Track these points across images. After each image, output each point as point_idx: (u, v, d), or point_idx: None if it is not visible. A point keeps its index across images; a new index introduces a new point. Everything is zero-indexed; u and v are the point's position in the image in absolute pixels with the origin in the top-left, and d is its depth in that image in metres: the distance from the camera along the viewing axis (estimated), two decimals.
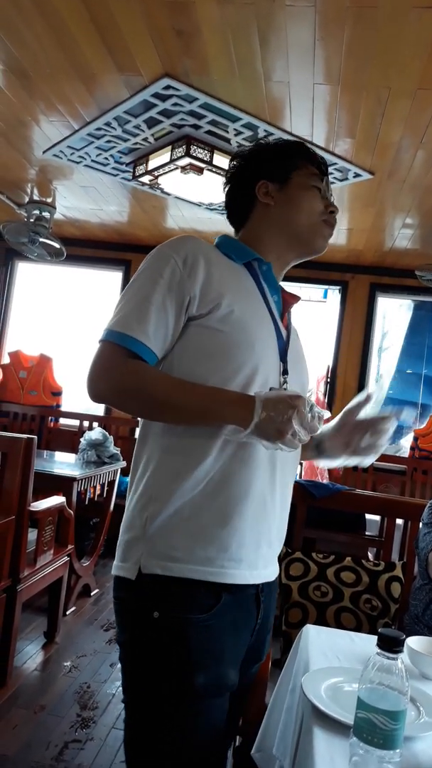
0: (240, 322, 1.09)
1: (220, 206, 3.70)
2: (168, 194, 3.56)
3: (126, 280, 5.08)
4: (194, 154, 2.83)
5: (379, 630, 0.87)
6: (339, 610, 1.90)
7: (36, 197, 4.10)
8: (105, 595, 3.63)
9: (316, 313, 5.32)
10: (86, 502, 3.51)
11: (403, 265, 4.51)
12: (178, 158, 2.88)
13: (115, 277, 5.19)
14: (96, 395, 1.08)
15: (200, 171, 2.94)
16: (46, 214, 4.22)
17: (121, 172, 3.39)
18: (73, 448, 4.59)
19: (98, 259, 5.11)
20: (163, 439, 1.09)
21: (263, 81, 2.30)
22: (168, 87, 2.40)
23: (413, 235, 3.87)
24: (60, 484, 3.09)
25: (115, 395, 1.07)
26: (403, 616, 1.93)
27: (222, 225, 4.14)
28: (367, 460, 1.24)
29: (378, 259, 4.53)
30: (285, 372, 1.17)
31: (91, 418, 4.90)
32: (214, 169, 2.93)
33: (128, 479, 1.17)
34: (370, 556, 3.51)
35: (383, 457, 4.65)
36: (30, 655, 2.75)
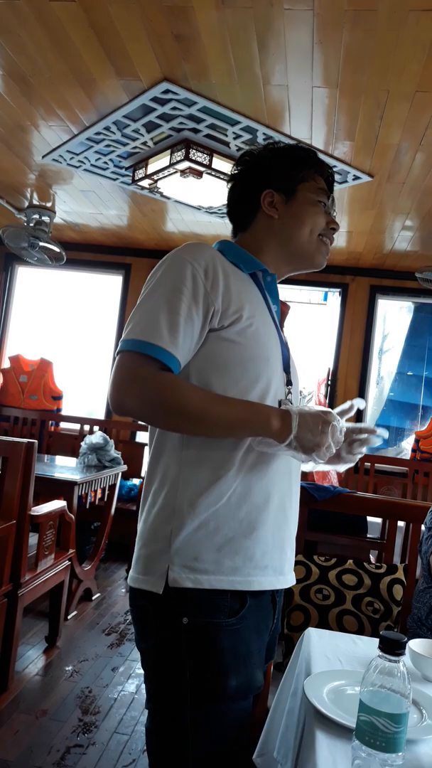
0: (256, 336, 1.10)
1: (219, 210, 3.71)
2: (167, 198, 3.56)
3: (126, 284, 5.09)
4: (193, 158, 2.83)
5: (381, 633, 0.87)
6: (341, 613, 1.90)
7: (36, 202, 4.11)
8: (106, 599, 3.63)
9: (317, 315, 5.33)
10: (87, 506, 3.51)
11: (403, 267, 4.51)
12: (178, 162, 2.88)
13: (116, 280, 5.20)
14: (124, 409, 1.03)
15: (199, 175, 2.94)
16: (45, 219, 4.23)
17: (121, 176, 3.40)
18: (73, 452, 4.60)
19: (98, 263, 5.11)
20: (182, 452, 1.08)
21: (262, 85, 2.31)
22: (167, 91, 2.41)
23: (413, 237, 3.87)
24: (61, 488, 3.09)
25: (148, 408, 1.04)
26: (406, 619, 1.92)
27: (221, 228, 4.15)
28: (341, 468, 1.29)
29: (378, 262, 4.53)
30: (289, 383, 1.18)
31: (92, 422, 4.90)
32: (213, 173, 2.93)
33: (143, 490, 1.16)
34: (372, 558, 3.51)
35: (384, 460, 4.65)
36: (31, 660, 2.74)
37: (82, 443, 3.73)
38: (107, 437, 3.74)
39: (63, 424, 5.10)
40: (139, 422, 3.45)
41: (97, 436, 3.72)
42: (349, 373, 4.73)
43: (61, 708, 2.37)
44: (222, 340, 1.08)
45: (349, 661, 1.29)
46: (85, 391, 5.47)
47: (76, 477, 3.18)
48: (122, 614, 3.41)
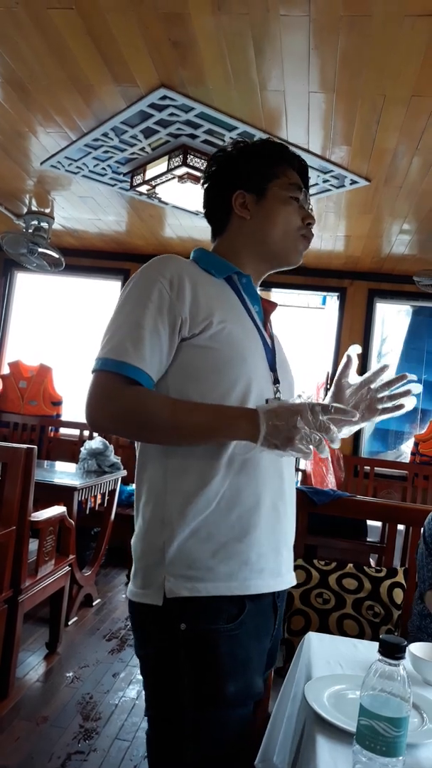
0: (230, 338, 1.09)
1: None
2: (165, 203, 3.57)
3: None
4: (191, 164, 2.84)
5: (381, 636, 0.87)
6: (341, 617, 1.89)
7: (34, 208, 4.12)
8: (107, 604, 3.62)
9: (315, 319, 5.34)
10: (87, 512, 3.51)
11: (401, 270, 4.52)
12: (175, 168, 2.89)
13: (114, 286, 5.21)
14: (97, 426, 1.07)
15: (197, 180, 2.95)
16: (44, 225, 4.24)
17: (119, 182, 3.41)
18: (73, 457, 4.59)
19: (97, 268, 5.12)
20: (167, 461, 1.09)
21: (259, 90, 2.32)
22: (164, 97, 2.42)
23: (410, 240, 3.88)
24: (61, 493, 3.09)
25: (118, 424, 1.06)
26: (407, 623, 1.92)
27: None
28: (376, 418, 1.22)
29: (376, 265, 4.54)
30: (276, 381, 1.18)
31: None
32: None
33: (134, 504, 1.16)
34: (372, 562, 3.50)
35: (384, 463, 4.65)
36: (32, 666, 2.74)
37: (82, 448, 3.73)
38: (107, 442, 3.74)
39: (63, 430, 5.09)
40: None
41: (96, 442, 3.71)
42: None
43: (61, 714, 2.36)
44: (195, 347, 1.08)
45: (350, 666, 1.29)
46: (84, 396, 5.46)
47: (75, 482, 3.18)
48: (123, 620, 3.40)
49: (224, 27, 1.96)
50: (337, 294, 4.83)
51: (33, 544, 2.66)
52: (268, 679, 1.47)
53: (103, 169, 3.24)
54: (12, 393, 5.10)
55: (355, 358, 1.22)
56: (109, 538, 3.79)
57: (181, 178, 2.98)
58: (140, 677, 1.14)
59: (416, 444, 4.63)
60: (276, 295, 4.98)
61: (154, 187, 3.22)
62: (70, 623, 3.23)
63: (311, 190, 3.17)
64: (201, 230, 4.18)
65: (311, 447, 0.98)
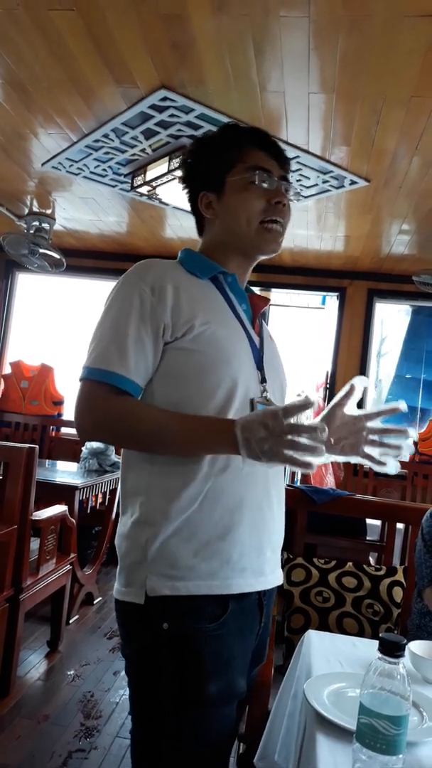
0: (213, 340, 1.08)
1: None
2: (166, 204, 3.58)
3: None
4: None
5: (380, 635, 0.87)
6: (341, 615, 1.90)
7: (35, 209, 4.12)
8: (108, 603, 3.63)
9: (315, 319, 5.34)
10: (88, 511, 3.52)
11: (401, 270, 4.53)
12: (176, 169, 2.90)
13: None
14: (84, 433, 1.08)
15: None
16: (45, 226, 4.25)
17: (120, 183, 3.41)
18: (74, 457, 4.59)
19: (98, 269, 5.12)
20: (149, 463, 1.09)
21: (259, 91, 2.32)
22: (165, 98, 2.42)
23: (410, 240, 3.88)
24: (62, 493, 3.10)
25: (103, 432, 1.09)
26: (407, 621, 1.93)
27: None
28: (356, 458, 1.15)
29: (375, 266, 4.55)
30: (263, 380, 1.16)
31: None
32: None
33: (119, 503, 1.16)
34: (372, 560, 3.51)
35: None
36: (33, 665, 2.75)
37: (83, 448, 3.74)
38: None
39: (64, 429, 5.10)
40: None
41: (97, 442, 3.72)
42: (348, 376, 4.67)
43: (62, 712, 2.37)
44: (177, 351, 1.08)
45: (350, 664, 1.29)
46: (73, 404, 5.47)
47: (77, 482, 3.19)
48: None
49: (224, 28, 1.97)
50: (336, 294, 4.83)
51: (34, 543, 2.67)
52: (260, 675, 1.46)
53: (104, 170, 3.24)
54: (13, 393, 5.11)
55: (359, 390, 1.15)
56: (110, 536, 3.79)
57: (181, 179, 2.99)
58: None
59: (415, 443, 4.64)
60: (276, 295, 4.98)
61: (154, 188, 3.23)
62: (71, 622, 3.24)
63: (311, 191, 3.18)
64: None
65: (307, 455, 0.93)
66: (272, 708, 1.47)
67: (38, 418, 5.01)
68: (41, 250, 4.19)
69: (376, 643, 0.89)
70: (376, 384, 5.47)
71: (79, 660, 2.85)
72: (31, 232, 4.23)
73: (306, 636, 1.45)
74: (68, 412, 5.15)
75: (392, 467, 1.12)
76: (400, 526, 2.23)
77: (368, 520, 3.32)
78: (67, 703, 2.44)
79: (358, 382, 1.14)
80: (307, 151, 2.77)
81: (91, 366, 1.06)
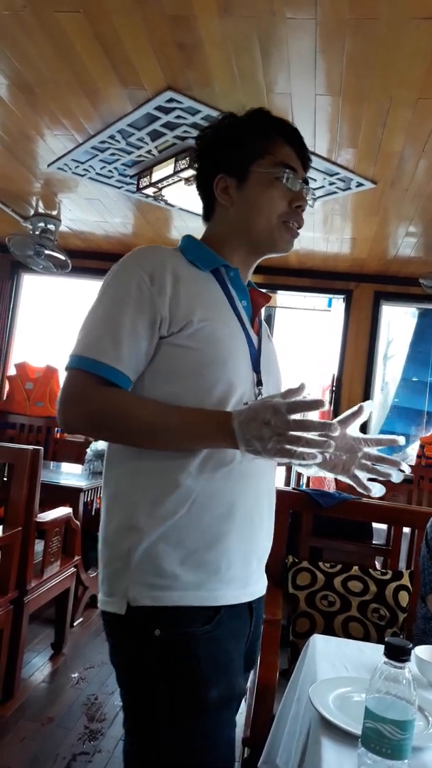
0: (211, 338, 1.03)
1: None
2: (172, 206, 3.58)
3: None
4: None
5: (386, 639, 0.87)
6: (347, 619, 1.89)
7: (41, 210, 4.14)
8: None
9: (321, 322, 5.33)
10: (93, 513, 3.51)
11: (407, 273, 4.52)
12: (182, 170, 2.90)
13: None
14: (69, 428, 1.01)
15: None
16: (51, 227, 4.25)
17: (126, 184, 3.42)
18: (79, 459, 4.59)
19: (103, 270, 4.96)
20: (136, 462, 1.03)
21: (265, 93, 2.32)
22: (171, 100, 2.43)
23: (417, 243, 3.87)
24: (66, 495, 3.10)
25: (92, 427, 1.03)
26: (412, 626, 1.92)
27: None
28: (344, 478, 1.15)
29: (382, 268, 4.54)
30: (259, 383, 1.10)
31: None
32: None
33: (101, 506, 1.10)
34: (377, 564, 3.49)
35: None
36: (37, 667, 2.74)
37: (88, 450, 3.74)
38: None
39: None
40: None
41: (102, 443, 3.72)
42: (354, 379, 4.72)
43: (67, 715, 2.37)
44: (173, 346, 1.01)
45: (356, 668, 1.28)
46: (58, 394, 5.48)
47: (81, 484, 3.19)
48: None
49: (230, 29, 1.97)
50: (343, 296, 4.82)
51: (39, 545, 2.67)
52: (265, 679, 1.45)
53: (110, 171, 3.25)
54: (18, 394, 5.12)
55: (366, 413, 1.13)
56: None
57: (187, 180, 2.99)
58: None
59: (422, 447, 4.62)
60: (282, 297, 4.97)
61: (160, 189, 3.23)
62: (75, 624, 3.24)
63: (318, 193, 3.17)
64: None
65: (315, 449, 0.89)
66: (276, 712, 1.46)
67: (43, 419, 5.01)
68: (46, 252, 4.20)
69: (381, 647, 0.88)
70: (383, 387, 5.45)
71: (84, 663, 2.84)
72: (37, 233, 4.24)
73: (311, 640, 1.45)
74: None
75: (378, 491, 1.11)
76: (406, 530, 2.22)
77: (374, 524, 3.30)
78: (71, 706, 2.44)
79: (367, 405, 1.15)
80: (313, 153, 2.76)
81: (80, 354, 1.00)
